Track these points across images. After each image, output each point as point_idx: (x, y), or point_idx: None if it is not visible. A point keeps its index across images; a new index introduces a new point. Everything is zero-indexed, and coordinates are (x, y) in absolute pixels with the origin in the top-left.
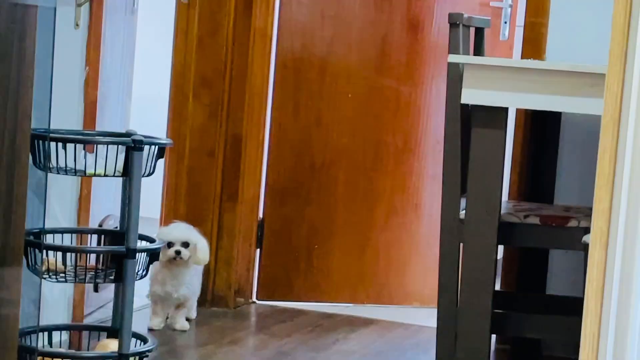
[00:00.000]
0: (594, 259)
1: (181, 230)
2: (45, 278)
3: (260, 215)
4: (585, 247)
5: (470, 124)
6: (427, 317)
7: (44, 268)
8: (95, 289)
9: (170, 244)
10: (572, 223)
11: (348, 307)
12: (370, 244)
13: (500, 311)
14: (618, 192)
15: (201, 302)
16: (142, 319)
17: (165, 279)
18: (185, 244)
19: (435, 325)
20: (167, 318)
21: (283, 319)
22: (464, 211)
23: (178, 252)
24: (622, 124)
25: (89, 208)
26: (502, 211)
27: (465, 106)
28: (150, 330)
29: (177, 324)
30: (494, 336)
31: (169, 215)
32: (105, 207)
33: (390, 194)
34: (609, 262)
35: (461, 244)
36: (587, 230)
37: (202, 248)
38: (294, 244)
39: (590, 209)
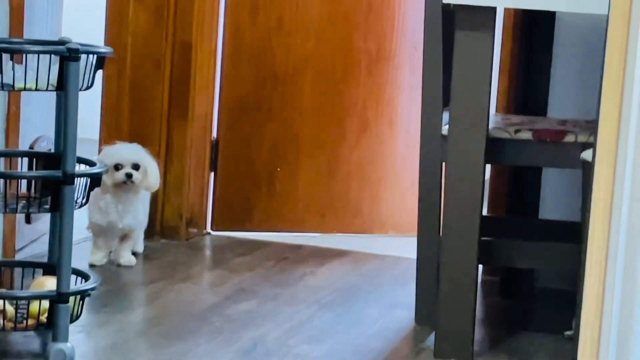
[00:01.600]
0: (600, 177)
1: (131, 151)
2: None
3: (214, 134)
4: (583, 165)
5: (454, 26)
6: (405, 247)
7: None
8: (28, 220)
9: (118, 166)
10: (569, 138)
11: (316, 238)
12: (340, 166)
13: (488, 238)
14: (628, 101)
15: (149, 233)
16: (81, 253)
17: (108, 206)
18: (136, 166)
19: (414, 255)
20: (110, 252)
21: (242, 251)
22: (446, 126)
23: (129, 175)
24: (633, 18)
25: (18, 128)
26: (490, 126)
27: (447, 6)
28: (91, 266)
29: (123, 259)
30: (480, 267)
31: (109, 136)
32: (37, 127)
33: (362, 108)
34: (617, 180)
35: (443, 164)
36: (585, 146)
37: (153, 171)
38: (253, 166)
39: (589, 122)
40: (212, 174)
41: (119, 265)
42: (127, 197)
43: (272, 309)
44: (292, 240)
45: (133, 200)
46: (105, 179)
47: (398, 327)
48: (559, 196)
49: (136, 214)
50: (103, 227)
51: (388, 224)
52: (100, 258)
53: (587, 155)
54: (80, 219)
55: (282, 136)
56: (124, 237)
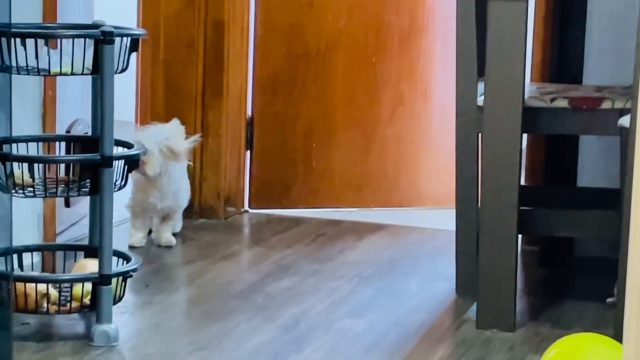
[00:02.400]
0: (639, 142)
1: (155, 134)
2: (12, 194)
3: (249, 112)
4: (621, 131)
5: None
6: (443, 220)
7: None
8: (67, 204)
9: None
10: (606, 104)
11: (353, 213)
12: (375, 141)
13: (527, 208)
14: None
15: (187, 213)
16: (122, 235)
17: (147, 187)
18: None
19: (453, 227)
20: (149, 233)
21: (280, 229)
22: (482, 97)
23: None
24: None
25: (55, 113)
26: (526, 95)
27: None
28: (131, 247)
29: (163, 239)
30: (520, 237)
31: (145, 117)
32: (73, 111)
33: (396, 83)
34: None
35: (480, 135)
36: (622, 112)
37: (176, 142)
38: (289, 144)
39: (626, 88)
40: (248, 152)
41: (159, 246)
42: (168, 179)
43: (313, 285)
44: (329, 216)
45: (174, 182)
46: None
47: (439, 299)
48: (597, 163)
49: (177, 195)
50: (143, 207)
51: (425, 197)
52: (139, 239)
53: (624, 121)
54: (119, 201)
55: (317, 113)
56: (164, 217)
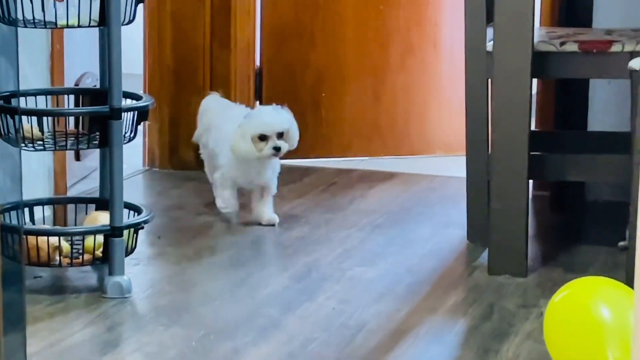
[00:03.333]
0: None
1: (275, 118)
2: (22, 147)
3: (258, 62)
4: (631, 74)
5: None
6: (454, 167)
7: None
8: (77, 157)
9: (262, 137)
10: (616, 47)
11: (364, 161)
12: (385, 89)
13: (538, 153)
14: None
15: (197, 165)
16: (132, 188)
17: (248, 169)
18: (281, 135)
19: (464, 174)
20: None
21: (291, 179)
22: (491, 42)
23: (277, 149)
24: None
25: (63, 66)
26: (535, 39)
27: None
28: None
29: (266, 216)
30: (531, 182)
31: (153, 70)
32: (81, 64)
33: (405, 30)
34: None
35: (489, 80)
36: (633, 55)
37: (294, 135)
38: (298, 93)
39: (635, 30)
40: (258, 102)
41: (260, 224)
42: (268, 162)
43: (324, 234)
44: (340, 166)
45: (271, 161)
46: (248, 149)
47: (451, 246)
48: (608, 107)
49: (269, 172)
50: (239, 183)
51: (436, 145)
52: (232, 206)
53: (635, 64)
54: (129, 154)
55: (326, 62)
56: (263, 190)
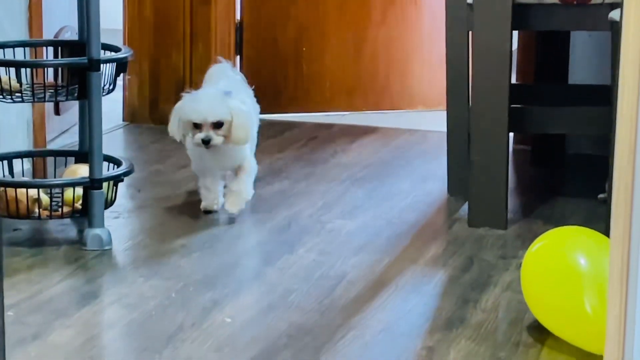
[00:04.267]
0: (629, 35)
1: (211, 106)
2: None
3: (238, 16)
4: (612, 25)
5: None
6: (434, 121)
7: None
8: (57, 112)
9: (196, 125)
10: None
11: (345, 116)
12: (366, 44)
13: (518, 106)
14: None
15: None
16: (112, 141)
17: (204, 156)
18: (218, 124)
19: (444, 129)
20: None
21: (272, 133)
22: None
23: (206, 142)
24: None
25: (41, 18)
26: None
27: None
28: (206, 212)
29: (228, 201)
30: (511, 135)
31: (133, 24)
32: (60, 18)
33: None
34: None
35: (470, 33)
36: (613, 6)
37: (240, 125)
38: (279, 47)
39: None
40: (238, 57)
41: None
42: (225, 149)
43: (304, 187)
44: (321, 120)
45: (230, 149)
46: (176, 134)
47: (431, 199)
48: (588, 60)
49: (237, 154)
50: (208, 169)
51: (417, 100)
52: (211, 201)
53: (615, 14)
54: (109, 109)
55: (307, 16)
56: (238, 168)
